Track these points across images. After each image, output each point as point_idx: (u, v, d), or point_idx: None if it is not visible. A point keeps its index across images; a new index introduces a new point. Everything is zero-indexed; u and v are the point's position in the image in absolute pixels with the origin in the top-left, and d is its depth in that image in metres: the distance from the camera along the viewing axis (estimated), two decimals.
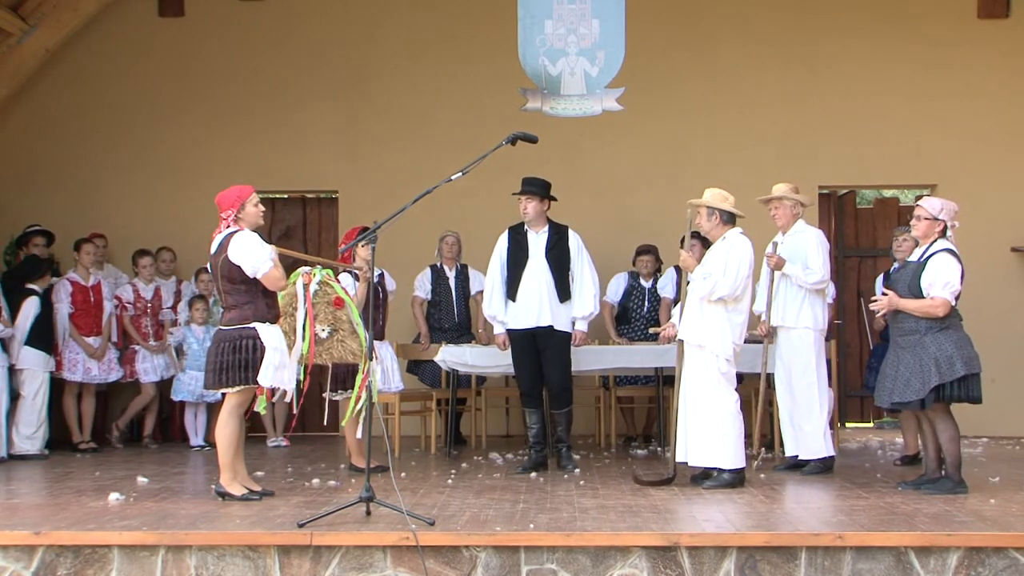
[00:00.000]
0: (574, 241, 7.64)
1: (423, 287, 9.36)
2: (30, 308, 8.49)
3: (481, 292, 9.14)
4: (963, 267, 6.35)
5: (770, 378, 7.55)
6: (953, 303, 6.32)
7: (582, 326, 7.68)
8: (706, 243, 7.17)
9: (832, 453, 7.31)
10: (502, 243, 7.74)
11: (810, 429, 7.25)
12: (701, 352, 6.64)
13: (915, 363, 6.35)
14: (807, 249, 7.31)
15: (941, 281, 6.32)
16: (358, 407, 6.49)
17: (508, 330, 7.67)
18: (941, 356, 6.27)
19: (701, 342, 6.63)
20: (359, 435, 6.62)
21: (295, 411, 6.79)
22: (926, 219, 6.48)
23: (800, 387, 7.27)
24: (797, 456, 7.34)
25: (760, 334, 7.65)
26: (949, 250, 6.39)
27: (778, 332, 7.43)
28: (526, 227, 7.64)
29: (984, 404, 6.56)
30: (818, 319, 7.32)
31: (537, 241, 7.60)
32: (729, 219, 6.79)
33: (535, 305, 7.51)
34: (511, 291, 7.60)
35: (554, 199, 7.65)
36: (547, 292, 7.51)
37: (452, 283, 9.37)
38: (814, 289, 7.29)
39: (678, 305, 7.08)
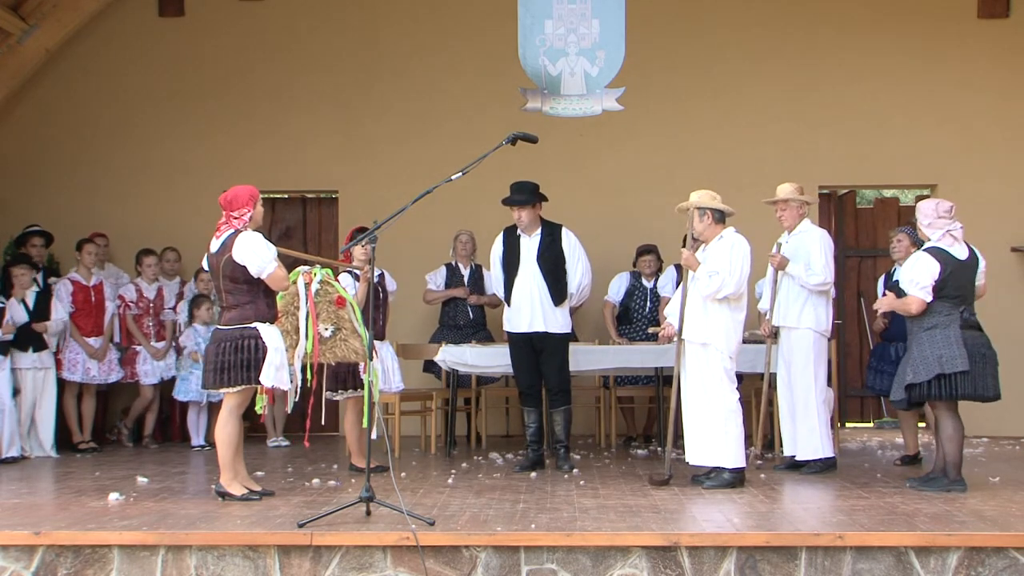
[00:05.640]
0: (567, 240, 7.62)
1: (434, 282, 9.38)
2: None
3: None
4: (944, 265, 6.36)
5: (772, 378, 7.56)
6: (928, 300, 6.35)
7: None
8: (700, 242, 7.15)
9: (831, 454, 7.32)
10: (497, 246, 7.75)
11: (806, 429, 7.26)
12: (704, 350, 6.64)
13: (903, 363, 6.52)
14: (810, 249, 7.31)
15: (907, 278, 6.44)
16: (371, 410, 6.44)
17: (506, 332, 7.68)
18: (919, 356, 6.37)
19: (705, 340, 6.63)
20: (374, 436, 6.61)
21: (307, 410, 6.77)
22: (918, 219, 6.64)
23: (799, 387, 7.28)
24: (795, 456, 7.35)
25: (763, 334, 7.66)
26: (929, 249, 6.46)
27: (780, 332, 7.44)
28: (519, 230, 7.64)
29: (985, 404, 6.58)
30: (820, 320, 7.31)
31: (529, 245, 7.59)
32: (720, 218, 6.80)
33: (527, 310, 7.51)
34: (506, 295, 7.62)
35: (545, 199, 7.63)
36: (539, 297, 7.50)
37: (466, 282, 9.39)
38: (817, 290, 7.29)
39: (670, 303, 7.08)
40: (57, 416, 8.79)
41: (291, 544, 5.13)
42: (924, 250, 6.47)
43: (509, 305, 7.62)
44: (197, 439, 9.21)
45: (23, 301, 8.56)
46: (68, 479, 7.27)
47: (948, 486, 6.38)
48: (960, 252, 6.45)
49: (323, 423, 7.47)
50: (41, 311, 8.64)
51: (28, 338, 8.56)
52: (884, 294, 7.41)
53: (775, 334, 7.53)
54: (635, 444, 9.18)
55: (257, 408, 6.32)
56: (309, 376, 6.54)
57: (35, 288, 8.70)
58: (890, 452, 8.58)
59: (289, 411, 6.60)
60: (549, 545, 5.09)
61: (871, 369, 8.35)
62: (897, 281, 7.21)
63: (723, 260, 6.61)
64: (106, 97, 10.49)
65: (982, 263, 6.61)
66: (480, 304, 9.37)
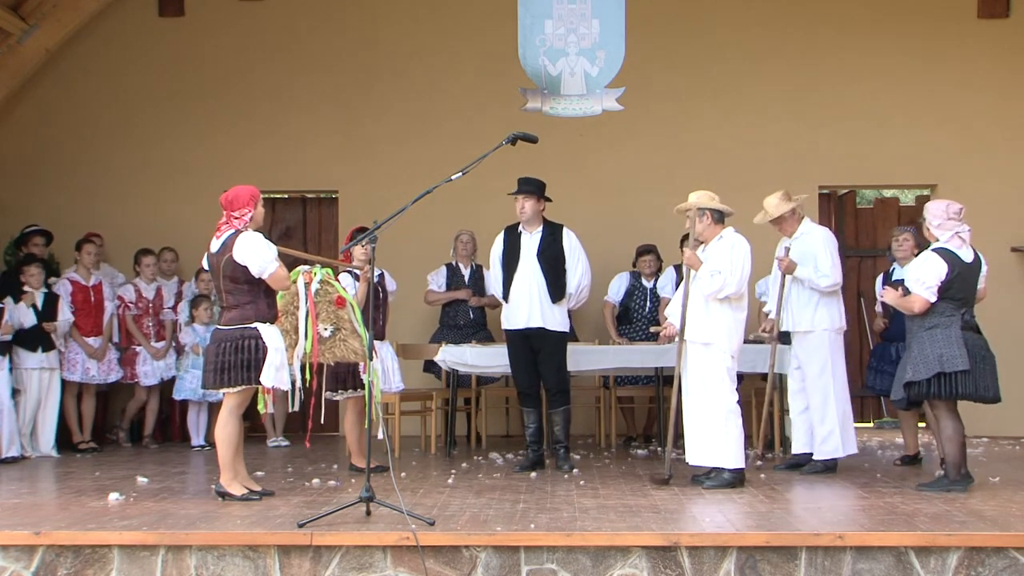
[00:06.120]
0: (568, 240, 7.63)
1: (436, 282, 9.39)
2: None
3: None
4: (951, 267, 6.37)
5: (776, 379, 7.55)
6: (932, 300, 6.36)
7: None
8: (698, 242, 7.14)
9: (851, 452, 7.29)
10: (498, 244, 7.76)
11: (824, 430, 7.24)
12: (707, 350, 6.63)
13: (903, 362, 6.56)
14: (816, 252, 7.27)
15: (913, 277, 6.45)
16: (375, 409, 6.42)
17: (504, 330, 7.68)
18: (919, 354, 6.39)
19: (708, 340, 6.62)
20: (379, 436, 6.62)
21: (308, 410, 6.77)
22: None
23: (816, 388, 7.25)
24: (810, 454, 7.33)
25: (765, 335, 7.65)
26: (937, 249, 6.46)
27: (793, 336, 7.40)
28: (521, 228, 7.65)
29: (985, 404, 6.59)
30: (835, 319, 7.29)
31: (530, 242, 7.60)
32: (719, 218, 6.79)
33: (525, 306, 7.51)
34: (504, 292, 7.62)
35: (549, 200, 7.65)
36: (538, 293, 7.50)
37: (467, 281, 9.39)
38: (827, 292, 7.25)
39: (671, 303, 7.08)
40: (57, 416, 8.78)
41: (291, 544, 5.12)
42: (932, 250, 6.46)
43: (507, 301, 7.62)
44: (197, 439, 9.21)
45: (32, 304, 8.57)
46: (68, 479, 7.27)
47: (948, 486, 6.38)
48: (967, 255, 6.46)
49: (323, 422, 7.48)
50: (49, 311, 8.65)
51: (37, 338, 8.56)
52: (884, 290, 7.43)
53: (781, 336, 7.51)
54: (635, 444, 9.18)
55: (260, 408, 6.32)
56: (308, 376, 6.53)
57: (43, 289, 8.71)
58: (890, 452, 8.58)
59: (296, 409, 6.58)
60: (549, 545, 5.09)
61: (871, 369, 8.34)
62: (896, 281, 7.22)
63: (724, 260, 6.60)
64: (106, 97, 10.49)
65: (984, 267, 6.61)
66: (481, 306, 9.37)
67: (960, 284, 6.39)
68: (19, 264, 8.91)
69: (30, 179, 10.33)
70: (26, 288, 8.55)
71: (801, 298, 7.30)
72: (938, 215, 6.50)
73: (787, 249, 7.38)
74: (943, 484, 6.41)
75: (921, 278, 6.38)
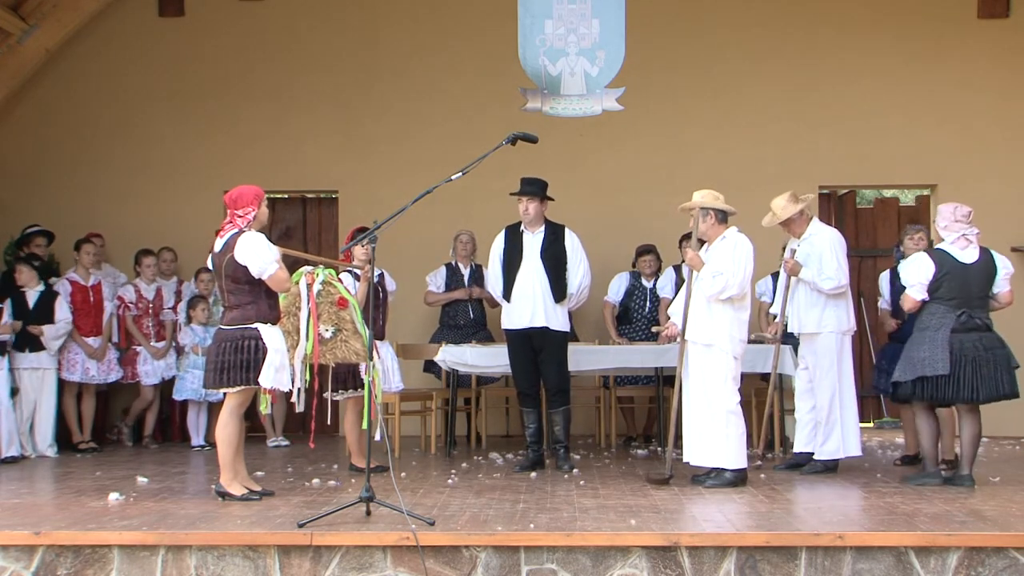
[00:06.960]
0: (570, 240, 7.63)
1: (435, 283, 9.39)
2: None
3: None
4: (939, 266, 6.45)
5: (777, 379, 7.54)
6: (919, 298, 6.46)
7: None
8: (700, 242, 7.14)
9: (853, 454, 7.28)
10: (498, 243, 7.75)
11: (827, 430, 7.22)
12: (709, 351, 6.62)
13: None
14: (822, 252, 7.24)
15: (903, 277, 6.65)
16: (374, 409, 6.42)
17: (504, 330, 7.68)
18: (906, 356, 6.56)
19: (710, 341, 6.61)
20: (377, 437, 6.62)
21: (310, 411, 6.77)
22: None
23: (822, 388, 7.23)
24: (810, 454, 7.32)
25: (769, 336, 7.63)
26: (928, 249, 6.63)
27: (800, 338, 7.39)
28: (523, 227, 7.65)
29: (986, 404, 6.60)
30: (842, 321, 7.25)
31: (533, 242, 7.60)
32: (723, 218, 6.78)
33: (528, 305, 7.51)
34: (506, 291, 7.62)
35: (551, 199, 7.66)
36: (541, 293, 7.50)
37: (467, 281, 9.39)
38: (832, 294, 7.24)
39: (673, 304, 7.07)
40: (57, 416, 8.78)
41: (291, 544, 5.13)
42: (924, 250, 6.55)
43: (508, 301, 7.62)
44: (197, 439, 9.21)
45: (24, 302, 8.56)
46: (68, 479, 7.27)
47: (923, 479, 6.55)
48: (967, 256, 6.47)
49: (328, 423, 7.49)
50: (43, 312, 8.64)
51: (25, 339, 8.56)
52: (891, 291, 7.49)
53: (783, 335, 7.51)
54: (635, 444, 9.18)
55: (261, 409, 6.33)
56: (308, 377, 6.53)
57: (39, 289, 8.70)
58: (890, 452, 8.58)
59: (301, 409, 6.58)
60: (549, 545, 5.09)
61: (880, 370, 8.24)
62: None
63: (727, 260, 6.59)
64: (106, 97, 10.49)
65: (1003, 270, 6.60)
66: (482, 298, 9.34)
67: (951, 284, 6.43)
68: (17, 262, 8.91)
69: (30, 179, 10.33)
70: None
71: (809, 299, 7.27)
72: (946, 216, 6.56)
73: (793, 251, 7.37)
74: (919, 478, 6.58)
75: (907, 277, 6.55)
